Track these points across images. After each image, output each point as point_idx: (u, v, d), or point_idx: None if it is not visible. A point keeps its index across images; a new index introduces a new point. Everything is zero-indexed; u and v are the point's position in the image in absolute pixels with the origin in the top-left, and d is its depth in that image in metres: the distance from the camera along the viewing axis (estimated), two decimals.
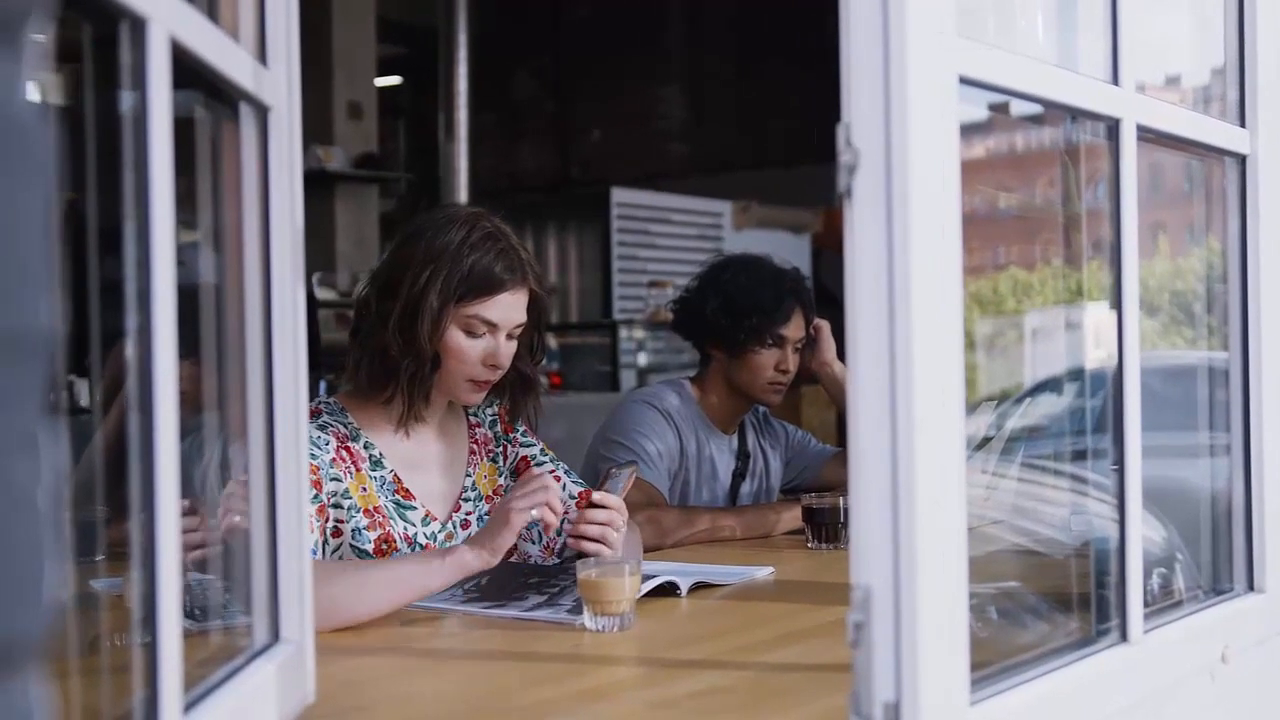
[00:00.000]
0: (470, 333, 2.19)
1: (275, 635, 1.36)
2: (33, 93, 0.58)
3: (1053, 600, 1.71)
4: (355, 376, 2.22)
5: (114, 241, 1.02)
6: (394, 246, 2.25)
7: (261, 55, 1.34)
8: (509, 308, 2.20)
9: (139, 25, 0.99)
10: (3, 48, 0.55)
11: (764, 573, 2.33)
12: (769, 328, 2.97)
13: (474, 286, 2.17)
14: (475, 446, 2.37)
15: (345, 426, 2.21)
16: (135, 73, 1.00)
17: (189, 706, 1.09)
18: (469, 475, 2.34)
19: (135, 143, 1.00)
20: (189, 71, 1.11)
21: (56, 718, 0.62)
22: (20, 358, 0.55)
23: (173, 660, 1.01)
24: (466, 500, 2.32)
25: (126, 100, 1.01)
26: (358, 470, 2.18)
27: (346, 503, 2.14)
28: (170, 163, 1.02)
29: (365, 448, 2.22)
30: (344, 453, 2.17)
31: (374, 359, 2.20)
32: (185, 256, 1.09)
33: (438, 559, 1.97)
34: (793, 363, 3.00)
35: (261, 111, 1.34)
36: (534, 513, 1.96)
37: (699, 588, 2.16)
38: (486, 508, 2.33)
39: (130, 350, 1.00)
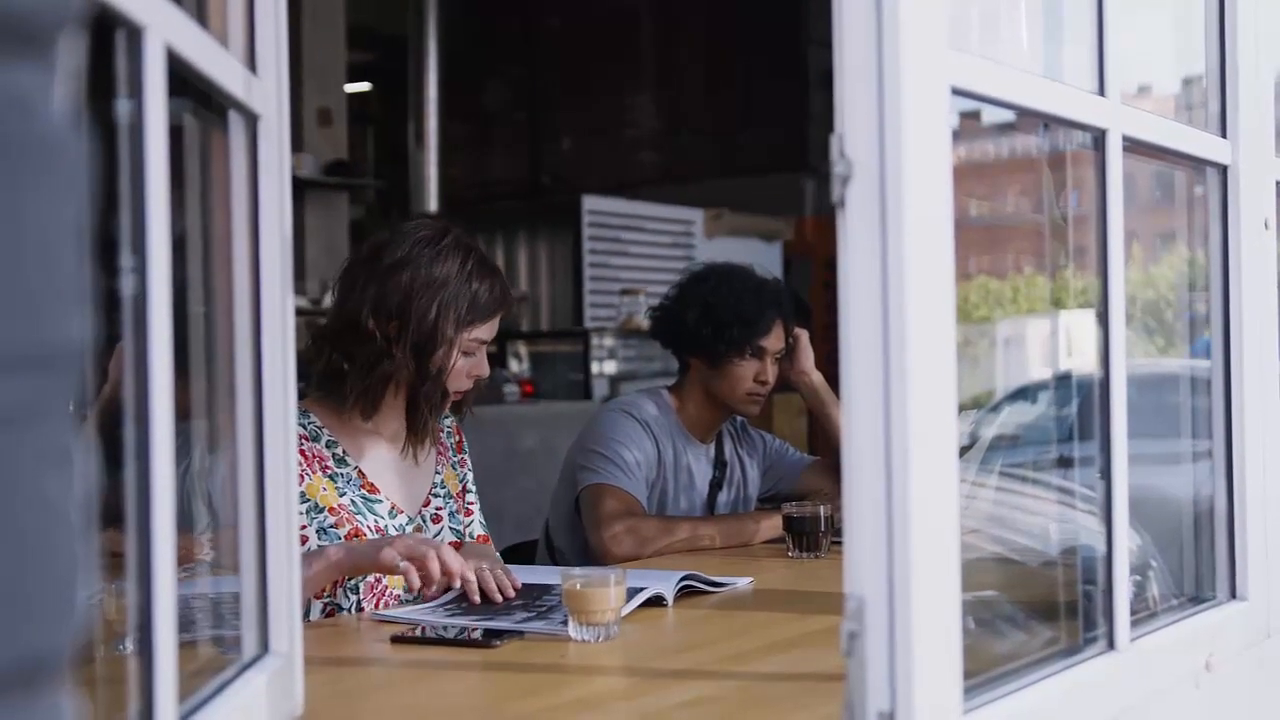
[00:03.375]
0: (466, 354, 2.29)
1: (264, 647, 1.35)
2: (65, 104, 0.58)
3: (1036, 609, 1.72)
4: (361, 400, 2.25)
5: (107, 249, 1.01)
6: (382, 270, 2.24)
7: (251, 64, 1.33)
8: (497, 325, 2.34)
9: (135, 33, 0.98)
10: (35, 61, 0.55)
11: (744, 583, 2.33)
12: (750, 339, 2.96)
13: (480, 313, 2.28)
14: (441, 447, 2.45)
15: (305, 427, 2.24)
16: (131, 81, 0.99)
17: (182, 719, 1.08)
18: (438, 473, 2.42)
19: (131, 151, 0.99)
20: (180, 79, 1.10)
21: None
22: (54, 372, 0.55)
23: (168, 673, 1.00)
24: (436, 496, 2.39)
25: (121, 108, 1.00)
26: (315, 473, 2.22)
27: (304, 505, 2.17)
28: (166, 170, 1.01)
29: (328, 446, 2.26)
30: (299, 455, 2.18)
31: (380, 385, 2.25)
32: (172, 264, 1.08)
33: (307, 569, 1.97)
34: (771, 374, 3.00)
35: (251, 120, 1.33)
36: (402, 564, 1.96)
37: (685, 594, 2.16)
38: (455, 505, 2.42)
39: (126, 359, 0.99)
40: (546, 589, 2.16)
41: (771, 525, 2.81)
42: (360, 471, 2.27)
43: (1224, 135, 1.82)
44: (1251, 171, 1.83)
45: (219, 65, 1.19)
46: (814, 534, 2.62)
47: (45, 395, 0.55)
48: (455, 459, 2.47)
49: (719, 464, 3.13)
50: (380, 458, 2.32)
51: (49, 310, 0.56)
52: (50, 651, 0.56)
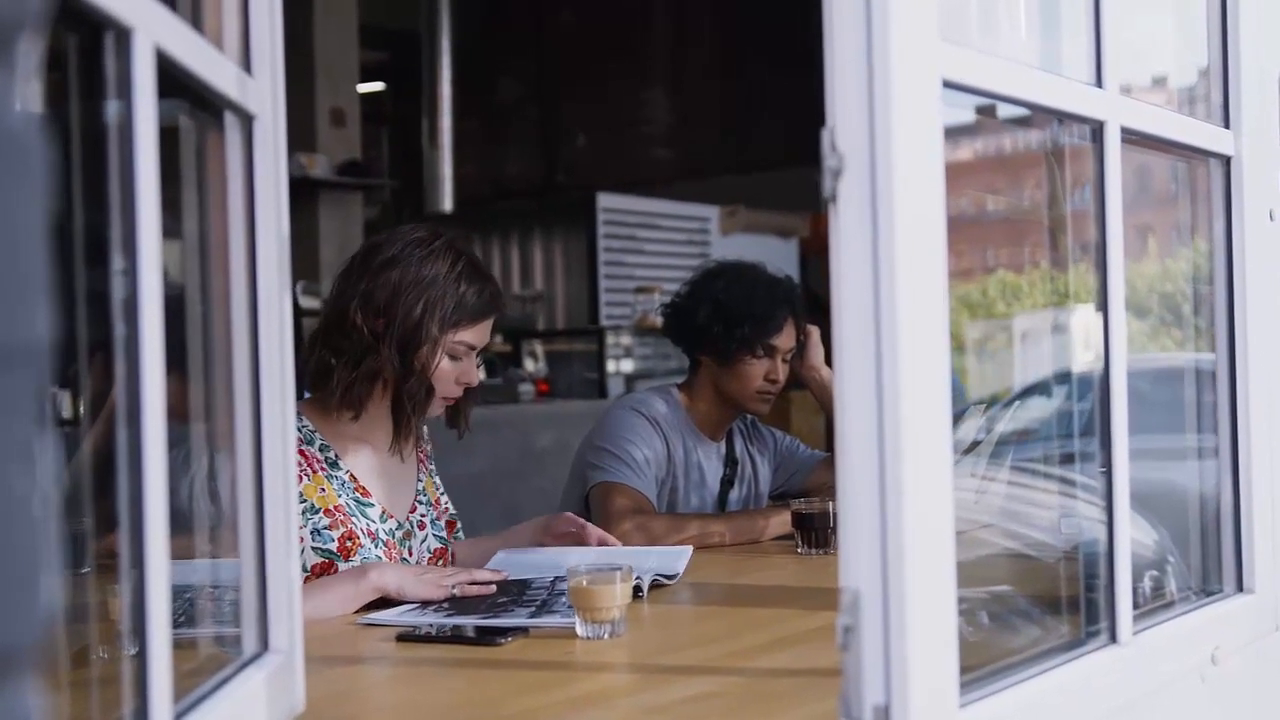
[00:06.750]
0: (453, 357, 2.31)
1: (264, 645, 1.36)
2: (27, 103, 0.58)
3: (1042, 603, 1.71)
4: (347, 395, 2.26)
5: (98, 251, 1.01)
6: (373, 268, 2.28)
7: (246, 64, 1.34)
8: (487, 332, 2.35)
9: (124, 35, 0.98)
10: None
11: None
12: (761, 338, 2.96)
13: (466, 315, 2.29)
14: (422, 457, 2.50)
15: (299, 431, 2.26)
16: (120, 82, 0.99)
17: (178, 716, 1.08)
18: (420, 481, 2.46)
19: (121, 152, 1.00)
20: (173, 80, 1.10)
21: None
22: (17, 367, 0.56)
23: (162, 671, 1.01)
24: (421, 503, 2.43)
25: (111, 109, 1.01)
26: (314, 473, 2.26)
27: (301, 505, 2.20)
28: (156, 172, 1.02)
29: (321, 450, 2.29)
30: (299, 457, 2.21)
31: (365, 381, 2.26)
32: (168, 267, 1.08)
33: (352, 586, 2.08)
34: (782, 372, 3.00)
35: (246, 120, 1.33)
36: (455, 591, 2.13)
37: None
38: (435, 513, 2.46)
39: (117, 361, 1.00)
40: (528, 585, 2.19)
41: (780, 521, 2.81)
42: (352, 475, 2.31)
43: (1227, 126, 1.81)
44: (1255, 162, 1.82)
45: (211, 66, 1.20)
46: (822, 530, 2.61)
47: (10, 391, 0.56)
48: (431, 468, 2.52)
49: (730, 461, 3.13)
50: (368, 462, 2.35)
51: (13, 307, 0.56)
52: (13, 646, 0.56)
